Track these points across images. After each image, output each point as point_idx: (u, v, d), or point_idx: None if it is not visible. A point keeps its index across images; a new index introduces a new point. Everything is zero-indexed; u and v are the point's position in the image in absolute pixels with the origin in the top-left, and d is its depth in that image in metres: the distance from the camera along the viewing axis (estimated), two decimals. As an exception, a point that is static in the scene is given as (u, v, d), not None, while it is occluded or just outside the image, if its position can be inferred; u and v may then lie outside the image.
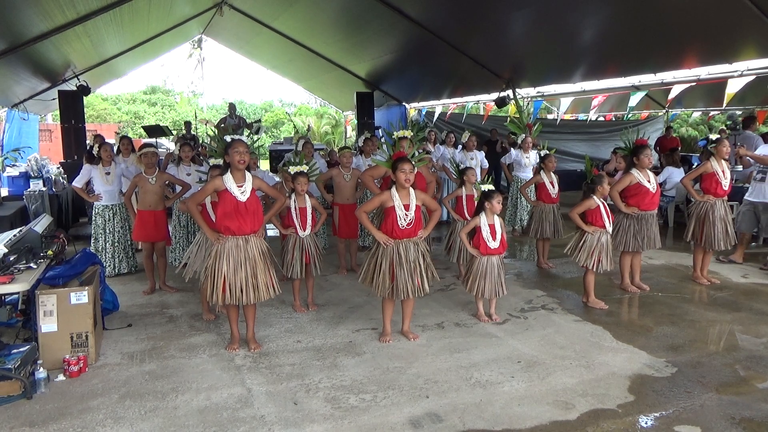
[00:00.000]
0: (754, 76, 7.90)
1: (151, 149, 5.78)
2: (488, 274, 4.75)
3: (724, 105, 8.98)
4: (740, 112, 13.89)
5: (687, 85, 9.23)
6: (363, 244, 7.39)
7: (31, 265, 3.90)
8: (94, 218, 6.39)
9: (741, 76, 8.08)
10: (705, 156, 6.15)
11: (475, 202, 5.14)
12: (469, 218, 5.38)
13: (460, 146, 8.90)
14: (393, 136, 5.24)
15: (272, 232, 7.50)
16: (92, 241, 6.36)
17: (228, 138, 4.11)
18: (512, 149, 8.59)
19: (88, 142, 10.48)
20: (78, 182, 6.31)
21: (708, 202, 5.76)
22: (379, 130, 14.61)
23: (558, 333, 4.60)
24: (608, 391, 3.57)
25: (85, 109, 11.97)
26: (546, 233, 6.52)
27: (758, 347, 4.27)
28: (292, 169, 5.05)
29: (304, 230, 5.03)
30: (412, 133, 5.77)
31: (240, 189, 4.03)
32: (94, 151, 6.39)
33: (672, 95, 9.64)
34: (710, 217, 5.73)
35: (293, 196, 5.04)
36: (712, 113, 14.72)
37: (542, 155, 6.60)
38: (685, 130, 21.04)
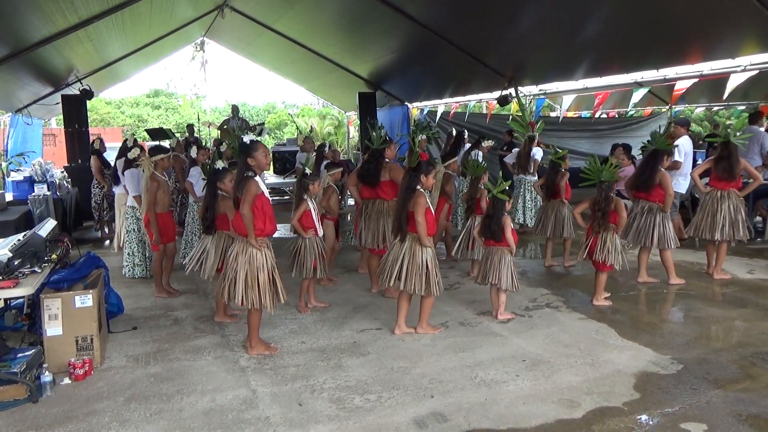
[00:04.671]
0: (757, 71, 7.85)
1: (172, 154, 5.90)
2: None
3: (724, 96, 8.90)
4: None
5: (691, 82, 9.17)
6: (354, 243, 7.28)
7: (36, 269, 3.91)
8: (130, 222, 6.26)
9: (744, 71, 8.04)
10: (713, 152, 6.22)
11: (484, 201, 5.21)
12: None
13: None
14: (414, 137, 5.22)
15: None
16: (126, 244, 6.33)
17: (247, 139, 4.06)
18: (516, 150, 8.58)
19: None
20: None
21: (714, 197, 5.82)
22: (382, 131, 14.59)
23: (563, 331, 4.59)
24: (614, 389, 3.56)
25: (89, 113, 11.99)
26: (554, 232, 6.54)
27: (765, 343, 4.25)
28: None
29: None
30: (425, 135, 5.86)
31: (266, 191, 4.10)
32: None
33: (677, 93, 9.58)
34: (721, 210, 5.79)
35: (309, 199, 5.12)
36: (714, 108, 14.63)
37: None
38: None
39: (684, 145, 7.25)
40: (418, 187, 4.38)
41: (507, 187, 4.85)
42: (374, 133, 5.66)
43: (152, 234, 5.60)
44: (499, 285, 4.80)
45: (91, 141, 9.36)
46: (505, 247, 4.83)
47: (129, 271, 6.37)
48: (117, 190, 7.21)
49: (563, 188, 6.53)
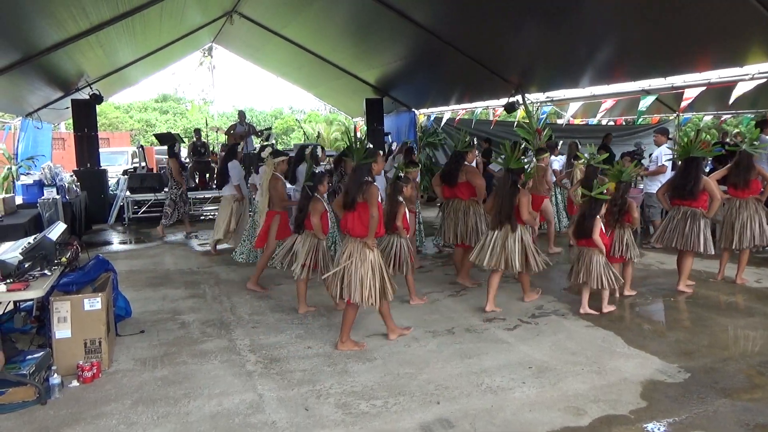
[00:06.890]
0: (764, 79, 7.84)
1: (287, 157, 6.34)
2: None
3: (730, 102, 8.88)
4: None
5: (699, 90, 9.15)
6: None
7: (46, 272, 3.94)
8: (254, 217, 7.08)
9: (752, 79, 8.02)
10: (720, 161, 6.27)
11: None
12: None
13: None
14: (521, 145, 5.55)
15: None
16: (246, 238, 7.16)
17: (370, 146, 4.27)
18: (551, 156, 8.64)
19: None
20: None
21: (733, 206, 5.87)
22: (389, 137, 14.62)
23: (569, 338, 4.58)
24: (620, 397, 3.55)
25: (98, 118, 12.09)
26: None
27: (772, 352, 4.23)
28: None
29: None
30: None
31: None
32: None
33: (684, 102, 9.57)
34: (742, 217, 5.81)
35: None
36: (723, 117, 14.59)
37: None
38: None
39: (665, 152, 7.74)
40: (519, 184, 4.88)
41: (605, 190, 5.05)
42: (458, 137, 6.03)
43: (266, 231, 6.01)
44: (591, 284, 5.00)
45: (170, 145, 10.08)
46: (595, 247, 4.98)
47: (240, 256, 7.20)
48: (227, 191, 7.81)
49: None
